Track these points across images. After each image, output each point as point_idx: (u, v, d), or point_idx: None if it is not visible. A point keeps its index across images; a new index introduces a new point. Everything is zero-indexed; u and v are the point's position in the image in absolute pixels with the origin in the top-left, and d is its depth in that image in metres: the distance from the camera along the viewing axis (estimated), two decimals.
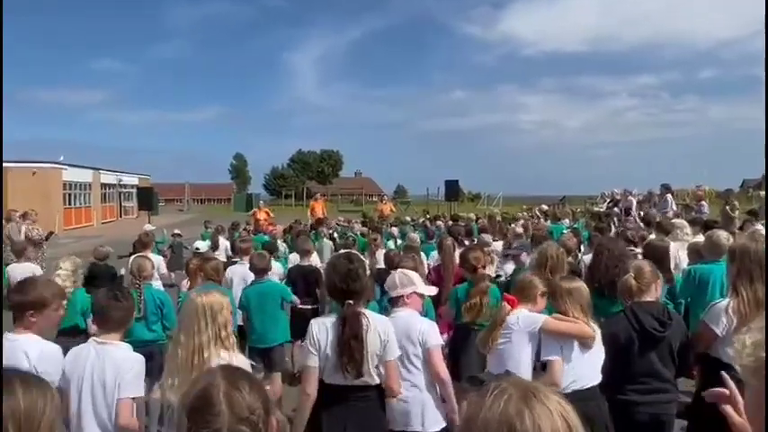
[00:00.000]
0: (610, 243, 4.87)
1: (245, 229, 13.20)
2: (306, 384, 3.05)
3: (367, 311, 3.06)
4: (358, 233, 11.96)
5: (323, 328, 3.03)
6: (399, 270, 3.73)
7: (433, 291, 3.79)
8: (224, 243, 11.18)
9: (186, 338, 2.76)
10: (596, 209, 17.25)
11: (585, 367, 3.30)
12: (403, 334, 3.35)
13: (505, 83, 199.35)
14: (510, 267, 6.65)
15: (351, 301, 2.96)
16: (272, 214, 18.16)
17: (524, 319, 3.42)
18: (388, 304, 3.63)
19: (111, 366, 2.94)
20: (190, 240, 12.28)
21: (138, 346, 3.41)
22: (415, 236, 9.42)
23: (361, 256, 3.59)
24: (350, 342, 2.90)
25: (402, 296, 3.51)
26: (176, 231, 13.21)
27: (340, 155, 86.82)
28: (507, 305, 3.48)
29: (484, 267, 4.98)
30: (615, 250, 4.55)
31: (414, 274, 3.65)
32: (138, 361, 3.01)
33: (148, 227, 13.21)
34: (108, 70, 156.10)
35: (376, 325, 3.00)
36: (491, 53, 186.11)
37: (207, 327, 2.77)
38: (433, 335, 3.40)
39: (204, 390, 1.41)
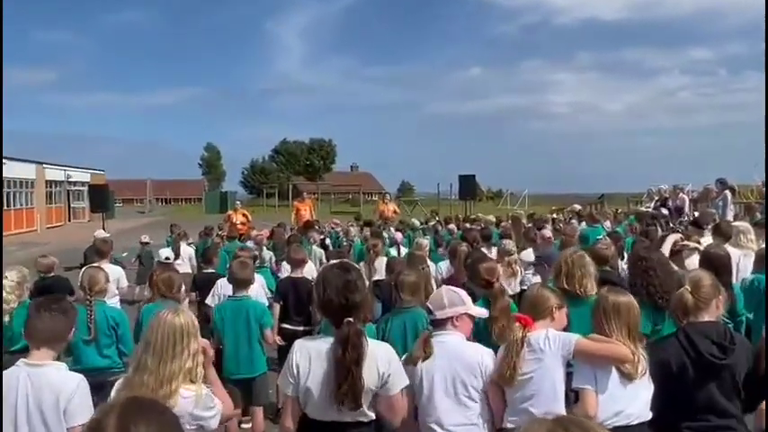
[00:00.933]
0: (654, 254, 4.88)
1: (218, 235, 13.18)
2: (283, 417, 3.09)
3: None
4: (356, 238, 11.91)
5: (305, 353, 3.01)
6: (446, 287, 3.77)
7: (484, 313, 3.81)
8: (187, 251, 11.17)
9: (156, 364, 2.80)
10: (642, 209, 17.20)
11: (629, 400, 3.27)
12: (458, 362, 3.40)
13: (532, 58, 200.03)
14: (537, 280, 6.63)
15: (351, 319, 2.95)
16: (250, 217, 18.11)
17: (555, 338, 3.41)
18: (430, 326, 3.64)
19: (49, 391, 2.97)
20: (153, 248, 12.29)
21: (90, 374, 3.39)
22: (424, 241, 9.40)
23: (357, 266, 3.57)
24: (351, 368, 2.88)
25: (451, 318, 3.52)
26: (144, 238, 13.24)
27: (333, 145, 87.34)
28: (520, 325, 3.47)
29: (498, 281, 4.95)
30: (653, 259, 4.58)
31: (463, 292, 3.69)
32: (81, 380, 3.06)
33: (101, 233, 13.19)
34: (55, 44, 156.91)
35: (375, 354, 2.98)
36: (515, 22, 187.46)
37: (182, 353, 2.83)
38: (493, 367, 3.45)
39: (94, 424, 1.44)
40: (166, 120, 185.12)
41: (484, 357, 3.44)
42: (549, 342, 3.39)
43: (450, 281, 6.40)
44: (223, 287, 6.43)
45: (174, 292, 5.59)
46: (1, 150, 6.47)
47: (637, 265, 4.74)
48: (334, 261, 3.39)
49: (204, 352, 3.01)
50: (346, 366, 2.88)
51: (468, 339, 3.63)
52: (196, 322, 2.99)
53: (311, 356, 2.98)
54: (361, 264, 8.61)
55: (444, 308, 3.52)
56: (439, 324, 3.54)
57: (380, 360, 2.99)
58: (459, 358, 3.40)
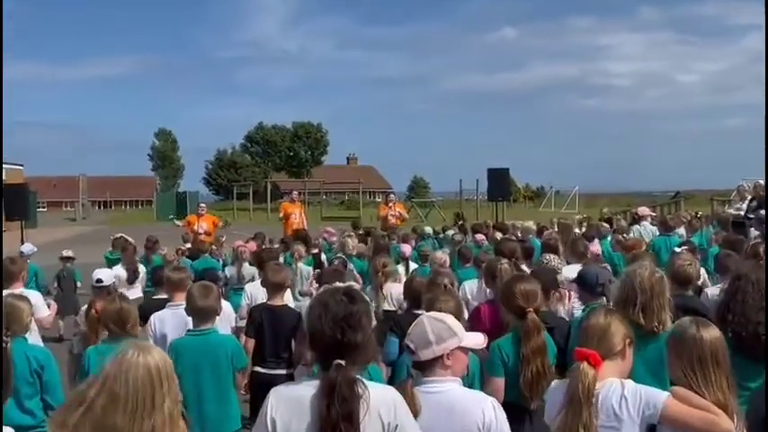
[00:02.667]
0: (754, 271, 4.82)
1: (178, 250, 13.19)
2: None
3: (364, 380, 3.04)
4: (354, 252, 11.87)
5: (283, 404, 3.00)
6: (428, 315, 3.67)
7: (480, 342, 3.71)
8: (143, 270, 11.17)
9: (129, 423, 2.80)
10: (730, 210, 17.16)
11: None
12: (450, 424, 3.33)
13: (583, 13, 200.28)
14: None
15: (342, 362, 2.94)
16: (219, 223, 18.10)
17: (636, 397, 3.33)
18: (414, 371, 3.59)
19: None
20: (88, 267, 12.27)
21: None
22: (441, 255, 9.39)
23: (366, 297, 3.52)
24: (339, 426, 2.87)
25: (441, 357, 3.46)
26: (66, 253, 13.15)
27: (323, 131, 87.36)
28: (588, 366, 3.40)
29: (537, 310, 4.92)
30: (760, 281, 4.51)
31: (449, 318, 3.63)
32: None
33: (28, 247, 13.11)
34: None
35: (377, 401, 2.98)
36: None
37: (162, 404, 2.84)
38: (504, 427, 3.38)
39: None
40: (105, 98, 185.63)
41: (487, 414, 3.35)
42: (628, 403, 3.32)
43: (486, 309, 6.36)
44: (155, 324, 6.36)
45: (130, 329, 5.50)
46: (1, 151, 6.81)
47: (731, 283, 4.62)
48: (340, 285, 3.34)
49: None
50: (332, 424, 2.87)
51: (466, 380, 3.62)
52: (169, 360, 2.99)
53: (292, 408, 2.98)
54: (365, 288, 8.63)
55: (431, 345, 3.44)
56: (427, 367, 3.47)
57: (384, 408, 2.99)
58: (451, 418, 3.34)
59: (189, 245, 14.89)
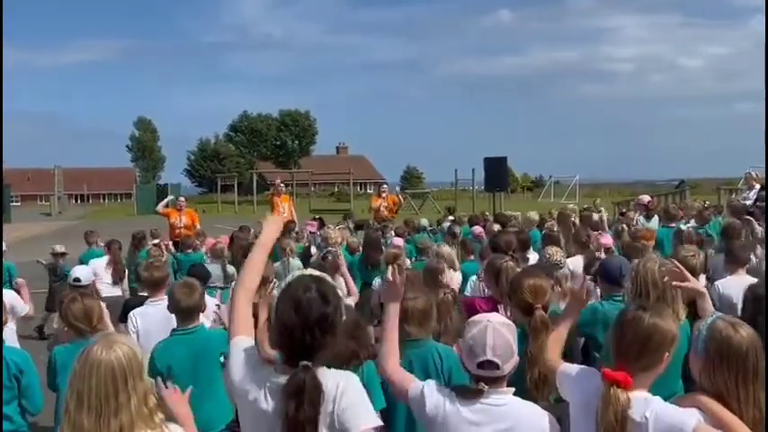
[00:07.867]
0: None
1: (155, 244, 13.20)
2: None
3: (324, 370, 3.06)
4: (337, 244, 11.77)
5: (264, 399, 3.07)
6: (498, 321, 3.51)
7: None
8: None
9: (94, 422, 2.84)
10: (742, 201, 17.15)
11: None
12: None
13: None
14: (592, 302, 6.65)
15: (308, 363, 2.99)
16: (198, 219, 18.06)
17: (658, 419, 3.14)
18: (472, 382, 3.47)
19: None
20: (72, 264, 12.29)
21: None
22: (445, 248, 9.36)
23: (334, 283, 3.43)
24: (303, 428, 2.95)
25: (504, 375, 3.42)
26: (58, 248, 13.20)
27: (312, 119, 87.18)
28: (620, 391, 3.20)
29: (546, 308, 4.87)
30: None
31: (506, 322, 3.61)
32: None
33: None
34: None
35: (330, 392, 3.01)
36: None
37: (128, 402, 2.89)
38: None
39: None
40: (81, 85, 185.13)
41: (542, 424, 3.37)
42: (649, 426, 3.14)
43: (471, 306, 6.37)
44: (137, 321, 6.38)
45: (96, 325, 5.53)
46: (1, 150, 6.95)
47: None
48: (311, 276, 3.25)
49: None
50: (296, 425, 2.93)
51: None
52: (138, 353, 3.03)
53: (269, 406, 3.05)
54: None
55: (513, 355, 3.41)
56: (494, 381, 3.40)
57: (329, 392, 3.02)
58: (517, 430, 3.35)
59: (165, 239, 14.97)
